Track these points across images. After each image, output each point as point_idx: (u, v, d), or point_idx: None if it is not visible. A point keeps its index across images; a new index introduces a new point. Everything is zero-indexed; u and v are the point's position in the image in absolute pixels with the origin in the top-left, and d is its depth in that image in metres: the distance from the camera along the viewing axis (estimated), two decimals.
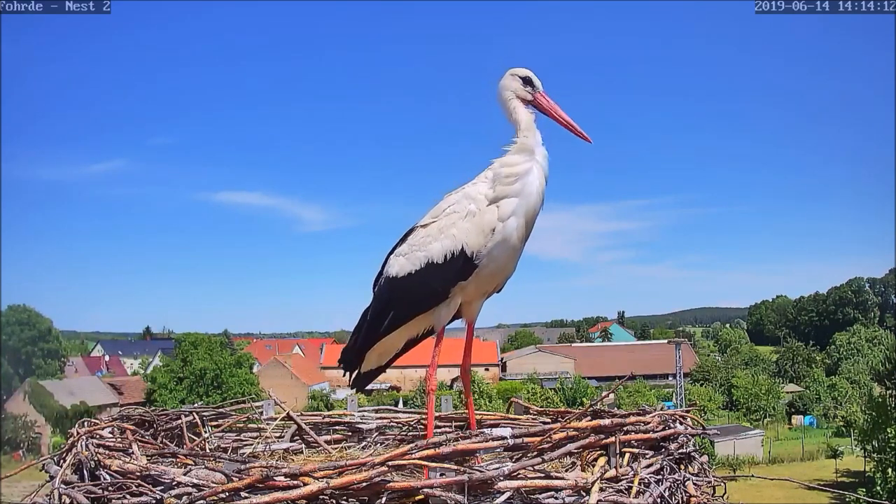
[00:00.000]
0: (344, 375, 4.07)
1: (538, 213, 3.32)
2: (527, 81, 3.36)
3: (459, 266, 3.29)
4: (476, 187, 3.35)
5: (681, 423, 3.40)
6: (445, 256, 3.31)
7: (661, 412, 3.38)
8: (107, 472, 2.85)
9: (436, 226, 3.39)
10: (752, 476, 4.10)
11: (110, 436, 3.43)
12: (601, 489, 2.75)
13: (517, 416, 4.39)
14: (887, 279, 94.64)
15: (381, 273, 3.67)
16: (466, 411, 4.04)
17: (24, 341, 52.18)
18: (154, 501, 2.63)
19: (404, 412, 4.74)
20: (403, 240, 3.56)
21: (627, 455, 3.03)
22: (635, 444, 3.09)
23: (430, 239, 3.37)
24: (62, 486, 2.90)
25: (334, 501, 2.55)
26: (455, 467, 2.59)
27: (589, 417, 3.21)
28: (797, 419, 53.03)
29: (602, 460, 2.95)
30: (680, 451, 3.28)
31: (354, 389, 4.16)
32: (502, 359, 66.67)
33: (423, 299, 3.47)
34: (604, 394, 3.51)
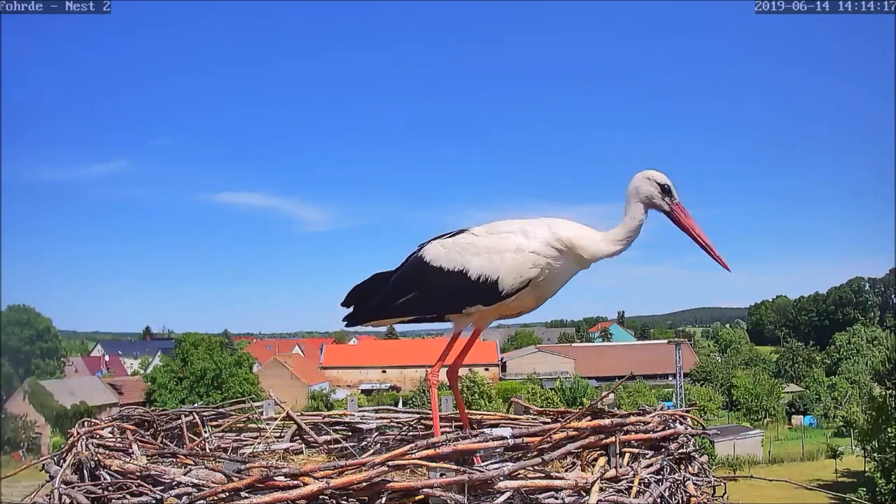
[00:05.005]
0: (347, 312, 3.82)
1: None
2: (665, 190, 3.20)
3: (486, 292, 3.23)
4: (537, 230, 3.23)
5: (681, 423, 3.40)
6: (479, 277, 3.24)
7: (661, 412, 3.37)
8: (107, 472, 2.85)
9: (485, 242, 3.28)
10: (752, 476, 4.09)
11: (110, 436, 3.43)
12: (601, 489, 2.75)
13: (517, 416, 4.38)
14: (887, 279, 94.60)
15: (416, 252, 3.55)
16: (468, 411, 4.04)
17: (23, 341, 52.17)
18: (154, 501, 2.63)
19: (404, 412, 4.74)
20: (451, 235, 3.46)
21: (627, 455, 3.03)
22: (635, 444, 3.09)
23: (474, 251, 3.28)
24: (62, 486, 2.90)
25: (334, 501, 2.55)
26: (455, 467, 2.59)
27: (589, 417, 3.22)
28: (797, 419, 53.06)
29: (602, 460, 2.95)
30: (680, 451, 3.28)
31: (345, 323, 3.87)
32: (502, 359, 66.66)
33: (440, 301, 3.42)
34: (604, 394, 3.50)
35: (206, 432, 4.16)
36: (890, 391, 32.04)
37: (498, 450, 2.74)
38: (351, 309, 3.79)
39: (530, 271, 3.19)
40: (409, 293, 3.47)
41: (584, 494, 2.69)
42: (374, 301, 3.64)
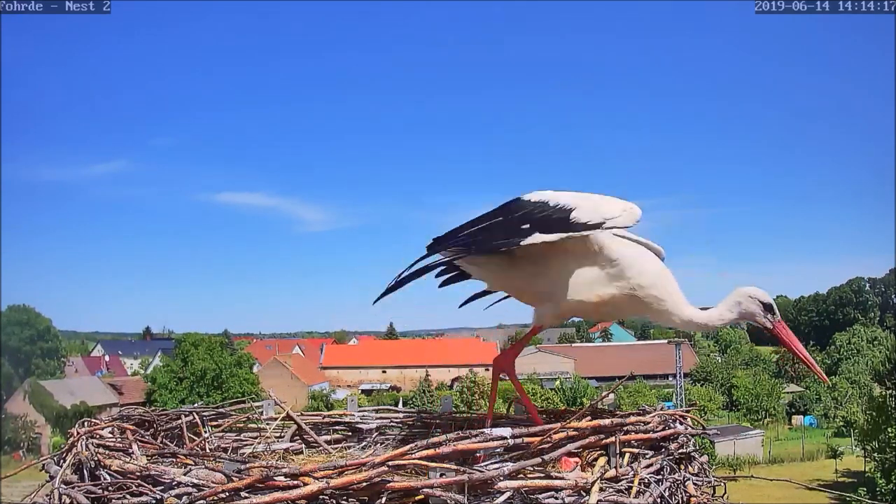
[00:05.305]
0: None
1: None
2: (768, 308, 3.34)
3: (554, 218, 3.21)
4: (623, 244, 3.37)
5: (681, 423, 3.39)
6: (557, 204, 3.25)
7: (661, 412, 3.37)
8: (107, 472, 2.84)
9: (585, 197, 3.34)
10: (753, 476, 4.09)
11: (110, 436, 3.42)
12: (601, 489, 2.75)
13: (517, 417, 4.38)
14: (887, 279, 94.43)
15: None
16: (468, 411, 4.04)
17: (23, 341, 52.21)
18: (154, 501, 2.63)
19: (404, 412, 4.74)
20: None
21: (627, 455, 3.02)
22: (635, 444, 3.09)
23: (568, 196, 3.31)
24: (62, 486, 2.90)
25: (334, 501, 2.54)
26: (455, 467, 2.60)
27: (589, 417, 3.21)
28: (797, 419, 53.09)
29: (602, 460, 2.95)
30: (680, 451, 3.27)
31: (428, 245, 3.59)
32: None
33: (502, 222, 3.33)
34: (604, 394, 3.51)
35: (206, 432, 4.16)
36: (890, 391, 32.08)
37: (498, 450, 2.75)
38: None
39: (609, 211, 3.19)
40: (486, 221, 3.40)
41: (584, 494, 2.69)
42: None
